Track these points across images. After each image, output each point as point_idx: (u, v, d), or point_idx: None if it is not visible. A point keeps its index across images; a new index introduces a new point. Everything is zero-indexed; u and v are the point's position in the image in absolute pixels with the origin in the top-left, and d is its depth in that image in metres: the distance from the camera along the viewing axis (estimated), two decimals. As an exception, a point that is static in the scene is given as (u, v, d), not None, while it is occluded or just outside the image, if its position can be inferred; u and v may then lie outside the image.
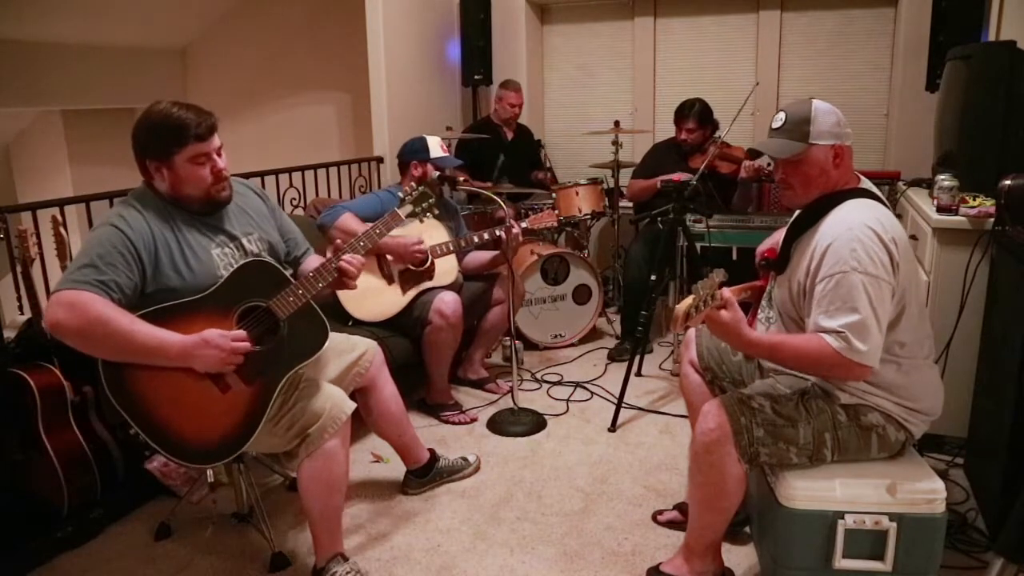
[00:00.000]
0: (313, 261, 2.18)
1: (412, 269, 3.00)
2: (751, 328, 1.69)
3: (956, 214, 2.43)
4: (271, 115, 5.86)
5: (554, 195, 4.04)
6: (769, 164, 3.61)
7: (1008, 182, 2.12)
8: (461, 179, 3.74)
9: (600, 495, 2.51)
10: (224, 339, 1.77)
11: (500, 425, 3.01)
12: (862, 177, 1.81)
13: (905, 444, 1.81)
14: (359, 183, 4.27)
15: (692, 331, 2.17)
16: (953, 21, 3.51)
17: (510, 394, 3.18)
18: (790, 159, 1.75)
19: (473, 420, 3.09)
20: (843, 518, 1.71)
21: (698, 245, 3.40)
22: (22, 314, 2.42)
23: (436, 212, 2.30)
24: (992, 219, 2.29)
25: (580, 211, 3.95)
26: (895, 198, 3.26)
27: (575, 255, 3.99)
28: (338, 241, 2.02)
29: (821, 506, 1.73)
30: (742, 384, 2.05)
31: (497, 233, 3.06)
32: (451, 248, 3.07)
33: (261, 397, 1.84)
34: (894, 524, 1.69)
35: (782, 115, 1.77)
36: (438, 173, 3.08)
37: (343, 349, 2.24)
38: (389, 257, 2.97)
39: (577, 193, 3.96)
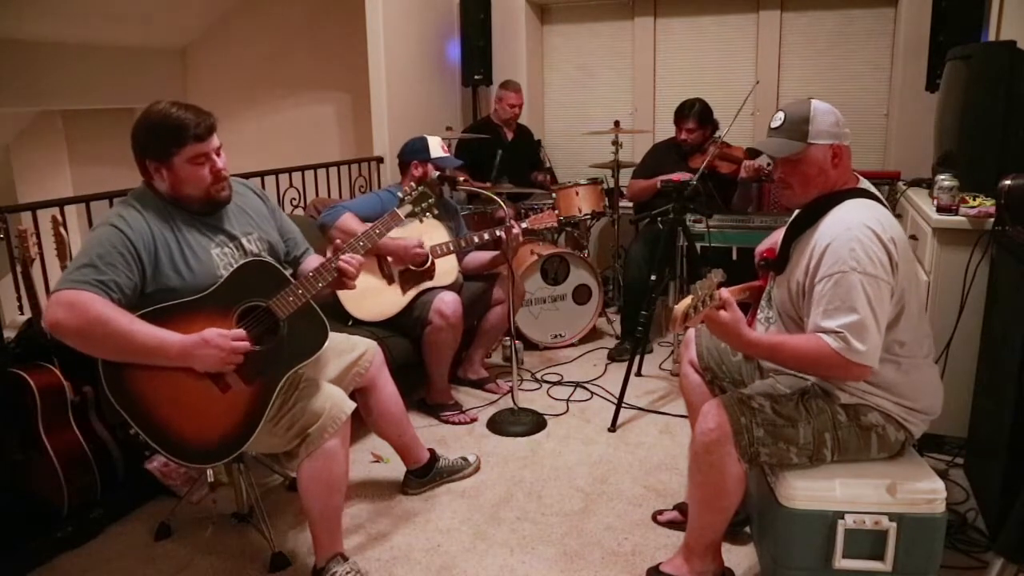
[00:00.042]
0: (313, 261, 2.18)
1: (412, 269, 2.99)
2: (750, 328, 1.70)
3: (956, 214, 2.43)
4: (271, 115, 5.85)
5: (554, 195, 4.04)
6: (769, 164, 3.61)
7: (1008, 182, 2.12)
8: (461, 179, 3.74)
9: (600, 495, 2.51)
10: (224, 339, 1.77)
11: (500, 425, 3.01)
12: (861, 177, 1.81)
13: (905, 444, 1.81)
14: (359, 183, 4.27)
15: (692, 331, 2.17)
16: (953, 21, 3.51)
17: (510, 394, 3.18)
18: (789, 158, 1.75)
19: (473, 420, 3.09)
20: (843, 518, 1.71)
21: (698, 245, 3.40)
22: (22, 314, 2.42)
23: (436, 212, 2.31)
24: (992, 219, 2.29)
25: (580, 211, 3.95)
26: (895, 198, 3.26)
27: (575, 255, 3.98)
28: (338, 241, 2.02)
29: (821, 506, 1.73)
30: (742, 384, 2.05)
31: (497, 233, 3.06)
32: (451, 248, 3.07)
33: (261, 397, 1.85)
34: (894, 524, 1.69)
35: (781, 115, 1.77)
36: (438, 173, 3.08)
37: (343, 349, 2.24)
38: (389, 258, 2.98)
39: (577, 193, 3.96)
